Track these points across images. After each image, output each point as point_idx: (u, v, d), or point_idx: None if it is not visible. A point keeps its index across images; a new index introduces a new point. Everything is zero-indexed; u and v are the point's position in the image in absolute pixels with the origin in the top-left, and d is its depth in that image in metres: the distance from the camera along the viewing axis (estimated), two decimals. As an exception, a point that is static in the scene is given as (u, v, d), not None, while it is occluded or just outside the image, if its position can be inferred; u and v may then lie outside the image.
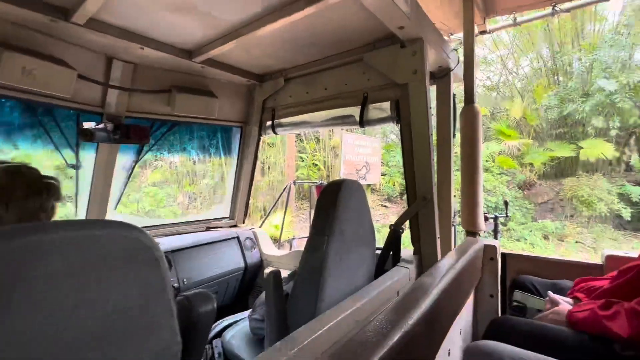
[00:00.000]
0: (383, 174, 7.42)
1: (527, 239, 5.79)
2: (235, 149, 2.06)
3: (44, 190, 0.68)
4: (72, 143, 1.49)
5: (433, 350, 0.76)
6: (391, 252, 1.32)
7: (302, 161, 7.56)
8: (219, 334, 1.36)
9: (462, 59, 1.42)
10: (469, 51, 1.36)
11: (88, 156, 1.49)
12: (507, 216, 2.12)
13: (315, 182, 2.80)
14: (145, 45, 1.27)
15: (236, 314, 1.51)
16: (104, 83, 1.37)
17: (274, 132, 1.86)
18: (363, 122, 1.46)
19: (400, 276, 1.17)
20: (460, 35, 1.65)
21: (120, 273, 0.47)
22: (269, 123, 1.86)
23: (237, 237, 1.89)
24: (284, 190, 2.91)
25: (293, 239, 2.78)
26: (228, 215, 2.09)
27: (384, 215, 7.26)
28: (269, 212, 3.05)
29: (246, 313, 1.46)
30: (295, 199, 7.10)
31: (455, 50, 1.45)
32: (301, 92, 1.69)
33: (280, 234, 3.16)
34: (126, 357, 0.50)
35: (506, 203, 2.24)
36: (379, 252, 1.31)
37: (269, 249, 1.98)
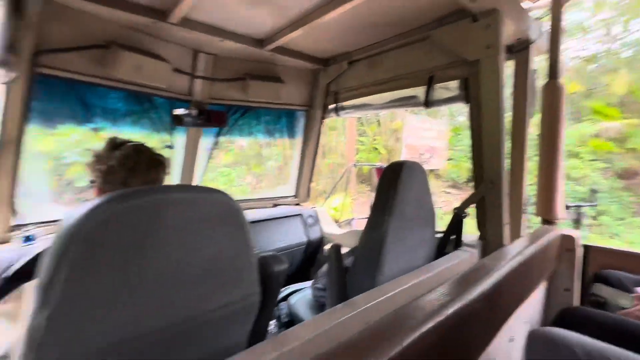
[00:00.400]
0: (449, 159, 6.98)
1: (624, 236, 4.97)
2: (299, 132, 2.18)
3: (159, 165, 0.85)
4: (167, 127, 1.75)
5: (492, 331, 0.76)
6: (453, 237, 1.30)
7: (363, 145, 7.51)
8: (285, 298, 1.52)
9: (548, 27, 1.27)
10: (556, 19, 1.21)
11: (179, 138, 1.74)
12: (593, 205, 1.87)
13: (375, 165, 2.80)
14: (225, 38, 1.42)
15: (299, 283, 1.66)
16: (192, 74, 1.57)
17: (337, 115, 1.92)
18: (428, 102, 1.43)
19: (462, 259, 1.16)
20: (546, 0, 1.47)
21: (216, 229, 0.59)
22: (332, 106, 1.92)
23: (301, 215, 2.03)
24: (344, 172, 2.98)
25: (352, 219, 2.85)
26: (292, 194, 2.24)
27: (447, 203, 6.89)
28: (330, 192, 3.16)
29: (309, 283, 1.59)
30: (355, 182, 7.14)
31: (539, 19, 1.31)
32: (364, 74, 1.70)
33: (339, 215, 3.26)
34: (220, 297, 0.62)
35: (594, 191, 1.97)
36: (439, 236, 1.30)
37: (330, 227, 2.09)
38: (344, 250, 1.17)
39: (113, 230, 0.48)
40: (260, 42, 1.56)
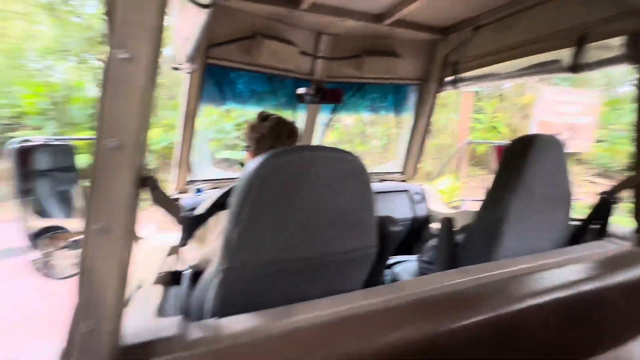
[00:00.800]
0: (598, 141, 5.59)
1: None
2: (407, 108, 2.14)
3: (294, 134, 1.03)
4: (290, 105, 1.99)
5: (633, 330, 0.66)
6: (595, 226, 1.11)
7: (479, 123, 6.71)
8: (389, 267, 1.60)
9: None
10: None
11: (300, 115, 1.97)
12: None
13: (495, 143, 2.51)
14: (346, 17, 1.50)
15: (404, 256, 1.71)
16: (315, 55, 1.73)
17: (454, 88, 1.81)
18: (577, 66, 1.21)
19: (606, 250, 1.00)
20: None
21: (348, 184, 0.70)
22: (449, 79, 1.82)
23: (407, 191, 2.05)
24: (457, 150, 2.78)
25: (463, 200, 2.68)
26: (399, 171, 2.26)
27: (589, 194, 5.60)
28: (438, 172, 3.01)
29: (413, 256, 1.63)
30: (466, 164, 6.51)
31: None
32: (492, 40, 1.54)
33: (447, 198, 3.09)
34: (345, 242, 0.74)
35: None
36: (576, 223, 1.13)
37: (437, 206, 2.04)
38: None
39: (276, 177, 0.64)
40: (379, 18, 1.58)
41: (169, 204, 0.52)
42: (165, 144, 6.19)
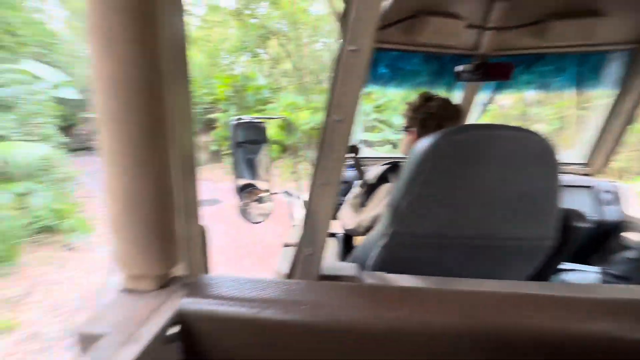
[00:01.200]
0: None
1: None
2: (602, 82, 1.65)
3: (460, 114, 1.00)
4: (438, 83, 1.85)
5: None
6: None
7: None
8: (557, 272, 1.36)
9: None
10: None
11: (458, 94, 1.84)
12: None
13: None
14: None
15: (580, 265, 1.41)
16: (483, 27, 1.56)
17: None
18: None
19: None
20: None
21: (531, 166, 0.65)
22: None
23: (591, 187, 1.65)
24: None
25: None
26: (581, 162, 1.82)
27: None
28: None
29: (593, 268, 1.33)
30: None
31: None
32: None
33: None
34: (515, 230, 0.69)
35: None
36: None
37: (637, 211, 1.56)
38: None
39: (450, 154, 0.65)
40: None
41: (360, 169, 0.63)
42: (312, 125, 6.95)
